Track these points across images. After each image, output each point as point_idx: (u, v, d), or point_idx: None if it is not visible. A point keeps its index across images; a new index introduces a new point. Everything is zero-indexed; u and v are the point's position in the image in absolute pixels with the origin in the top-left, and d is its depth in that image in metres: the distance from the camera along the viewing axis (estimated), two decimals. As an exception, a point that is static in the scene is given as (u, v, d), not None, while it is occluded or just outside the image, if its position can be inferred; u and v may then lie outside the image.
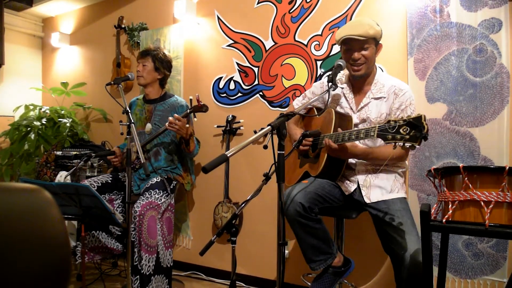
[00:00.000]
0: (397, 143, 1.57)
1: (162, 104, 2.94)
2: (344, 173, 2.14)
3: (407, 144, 1.54)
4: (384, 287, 2.55)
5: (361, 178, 2.11)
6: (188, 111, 2.67)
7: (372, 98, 2.13)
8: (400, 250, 1.86)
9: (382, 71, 2.53)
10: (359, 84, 2.19)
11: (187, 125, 2.63)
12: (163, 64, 2.95)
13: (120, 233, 2.83)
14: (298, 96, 2.54)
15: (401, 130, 1.55)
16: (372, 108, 2.13)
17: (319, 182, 2.07)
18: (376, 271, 2.58)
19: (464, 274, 2.29)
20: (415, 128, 1.51)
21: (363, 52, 2.06)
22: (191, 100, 2.81)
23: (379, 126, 1.67)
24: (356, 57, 2.06)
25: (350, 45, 2.07)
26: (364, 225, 2.54)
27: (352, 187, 2.11)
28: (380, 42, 2.12)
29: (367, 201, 2.05)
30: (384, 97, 2.11)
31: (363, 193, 2.07)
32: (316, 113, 2.35)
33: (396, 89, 2.10)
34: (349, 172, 2.15)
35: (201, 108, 2.69)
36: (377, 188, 2.06)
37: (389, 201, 2.01)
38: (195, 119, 2.87)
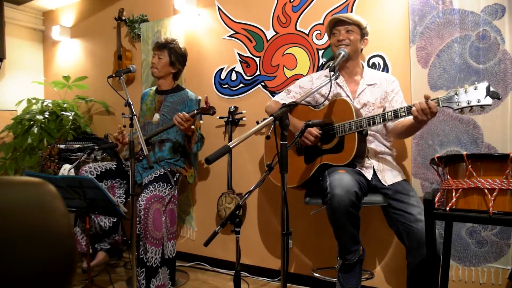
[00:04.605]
0: (465, 108, 1.75)
1: (173, 96, 2.96)
2: None
3: (478, 107, 1.72)
4: (389, 273, 2.56)
5: (374, 163, 2.19)
6: (196, 112, 2.63)
7: (366, 84, 2.30)
8: (418, 226, 1.93)
9: (384, 60, 2.54)
10: (349, 72, 2.34)
11: (192, 127, 2.64)
12: (179, 59, 2.98)
13: (111, 225, 2.82)
14: (279, 92, 2.59)
15: (468, 97, 1.74)
16: (368, 93, 2.28)
17: (352, 170, 2.07)
18: (380, 260, 2.59)
19: (468, 262, 2.30)
20: (487, 91, 1.69)
21: (348, 35, 2.27)
22: (199, 100, 2.81)
23: (442, 97, 1.82)
24: (341, 38, 2.28)
25: (337, 28, 2.31)
26: (365, 214, 2.54)
27: (370, 172, 2.16)
28: (366, 38, 2.35)
29: (385, 184, 2.13)
30: (377, 84, 2.30)
31: (379, 176, 2.16)
32: (310, 104, 2.38)
33: (386, 76, 2.34)
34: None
35: (208, 110, 2.64)
36: (389, 171, 2.19)
37: (402, 182, 2.16)
38: (201, 121, 2.86)
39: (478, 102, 1.71)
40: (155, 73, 2.96)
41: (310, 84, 2.44)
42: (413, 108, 1.89)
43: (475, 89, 1.72)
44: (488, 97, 1.69)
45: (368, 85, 2.30)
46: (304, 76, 2.83)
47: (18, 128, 3.80)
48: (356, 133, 2.06)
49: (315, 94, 2.37)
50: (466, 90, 1.75)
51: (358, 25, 2.28)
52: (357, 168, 2.15)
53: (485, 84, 1.70)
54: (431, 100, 1.84)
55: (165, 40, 2.98)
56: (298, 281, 2.82)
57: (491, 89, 1.68)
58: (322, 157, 2.21)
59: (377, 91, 2.28)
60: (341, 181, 1.92)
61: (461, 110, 1.76)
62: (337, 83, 2.31)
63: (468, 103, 1.74)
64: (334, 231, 2.00)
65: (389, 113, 1.97)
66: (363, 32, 2.31)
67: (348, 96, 2.28)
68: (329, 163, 2.15)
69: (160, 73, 2.95)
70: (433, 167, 1.68)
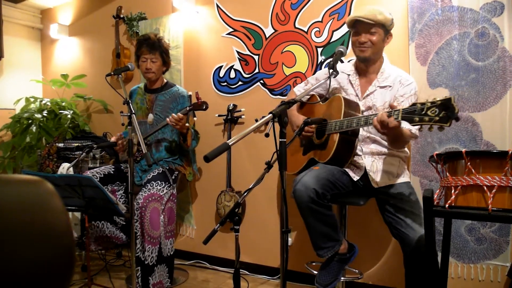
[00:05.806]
0: (423, 125, 1.57)
1: (164, 94, 2.92)
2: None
3: (436, 126, 1.53)
4: (388, 272, 2.56)
5: (367, 163, 2.12)
6: (188, 108, 2.60)
7: (378, 86, 2.16)
8: (410, 233, 1.90)
9: (383, 57, 2.52)
10: (366, 71, 2.21)
11: (187, 124, 2.61)
12: (168, 56, 2.93)
13: (124, 223, 2.84)
14: (300, 83, 2.53)
15: (429, 112, 1.55)
16: (378, 97, 2.15)
17: (329, 169, 2.05)
18: (379, 257, 2.60)
19: (467, 259, 2.30)
20: (446, 109, 1.50)
21: (370, 36, 2.07)
22: (190, 96, 2.79)
23: (403, 109, 1.65)
24: (362, 40, 2.08)
25: (358, 28, 2.10)
26: (366, 212, 2.55)
27: (360, 172, 2.12)
28: (391, 32, 2.14)
29: (375, 186, 2.07)
30: (390, 86, 2.13)
31: (370, 178, 2.09)
32: (318, 100, 2.35)
33: (402, 79, 2.12)
34: (356, 157, 2.15)
35: (201, 106, 2.60)
36: (384, 173, 2.09)
37: (397, 185, 2.06)
38: (195, 118, 2.84)
39: (435, 122, 1.52)
40: (153, 78, 2.87)
41: (325, 77, 2.36)
42: (374, 118, 1.76)
43: (436, 106, 1.52)
44: (446, 116, 1.49)
45: (380, 87, 2.15)
46: (303, 73, 2.83)
47: (17, 127, 3.80)
48: (338, 133, 2.03)
49: (327, 87, 2.34)
50: (427, 105, 1.55)
51: (383, 25, 2.06)
52: (345, 168, 2.13)
53: (447, 100, 1.49)
54: (395, 110, 1.69)
55: (152, 39, 2.83)
56: (298, 279, 2.83)
57: (453, 106, 1.47)
58: (313, 151, 2.23)
59: (388, 95, 2.12)
60: (304, 177, 1.95)
61: (421, 126, 1.59)
62: (349, 79, 2.24)
63: (425, 121, 1.55)
64: (305, 225, 2.04)
65: (363, 119, 1.89)
66: (387, 29, 2.10)
67: (357, 95, 2.20)
68: (315, 158, 2.18)
69: (157, 76, 2.89)
70: (432, 165, 1.67)
